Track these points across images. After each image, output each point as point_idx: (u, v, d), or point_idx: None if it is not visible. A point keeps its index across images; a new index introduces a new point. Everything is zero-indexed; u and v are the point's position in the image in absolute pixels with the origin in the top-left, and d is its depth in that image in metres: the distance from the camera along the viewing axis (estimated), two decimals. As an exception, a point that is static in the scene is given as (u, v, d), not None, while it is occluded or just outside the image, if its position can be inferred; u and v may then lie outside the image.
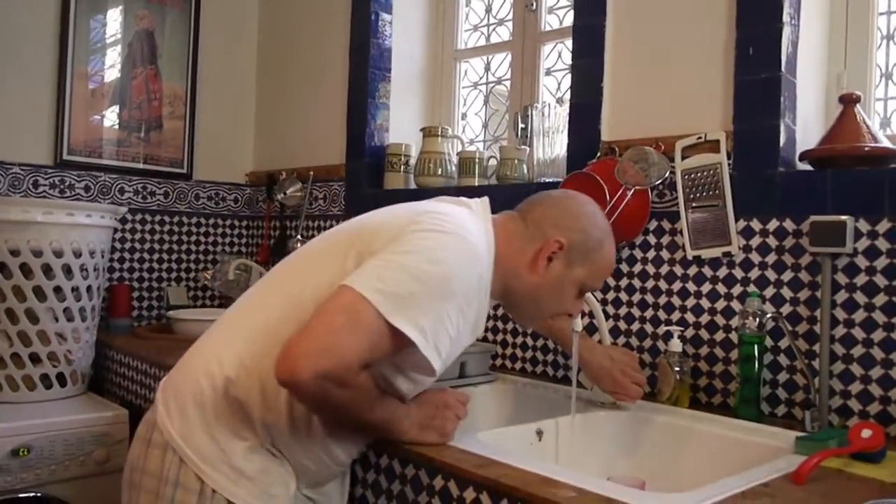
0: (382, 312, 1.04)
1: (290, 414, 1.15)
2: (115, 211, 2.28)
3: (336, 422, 1.18)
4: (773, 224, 1.52)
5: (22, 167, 2.49)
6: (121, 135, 2.73)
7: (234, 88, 3.06)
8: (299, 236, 2.65)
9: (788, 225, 1.50)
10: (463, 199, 1.30)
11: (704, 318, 1.62)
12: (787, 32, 1.53)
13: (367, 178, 2.48)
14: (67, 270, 2.11)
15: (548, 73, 2.29)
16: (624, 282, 1.76)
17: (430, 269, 1.08)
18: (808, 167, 1.52)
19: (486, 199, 1.30)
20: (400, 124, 2.55)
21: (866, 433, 1.19)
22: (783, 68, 1.52)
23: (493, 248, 1.22)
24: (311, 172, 2.69)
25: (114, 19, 2.71)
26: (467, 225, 1.17)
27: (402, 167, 2.40)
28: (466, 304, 1.13)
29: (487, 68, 2.51)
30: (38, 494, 1.90)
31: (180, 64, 2.87)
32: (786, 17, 1.52)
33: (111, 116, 2.71)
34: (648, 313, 1.72)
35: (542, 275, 1.25)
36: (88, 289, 2.18)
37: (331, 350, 1.02)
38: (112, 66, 2.71)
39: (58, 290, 2.10)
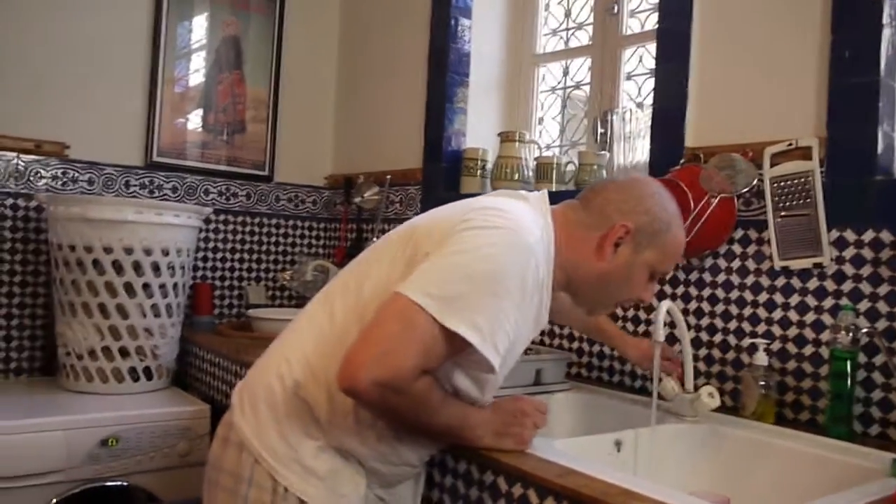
0: (435, 316, 1.04)
1: (356, 417, 1.16)
2: (201, 211, 2.36)
3: (403, 426, 1.19)
4: (868, 235, 1.46)
5: (115, 168, 2.59)
6: (206, 137, 2.82)
7: (314, 93, 3.12)
8: (375, 238, 2.68)
9: (885, 236, 1.43)
10: (521, 192, 1.29)
11: (792, 332, 1.56)
12: (887, 34, 1.46)
13: (443, 182, 2.49)
14: (155, 268, 2.19)
15: (628, 77, 2.25)
16: (707, 292, 1.72)
17: (481, 266, 1.08)
18: (907, 176, 1.46)
19: (545, 191, 1.29)
20: (477, 129, 2.56)
21: (970, 458, 1.13)
22: (882, 72, 1.46)
23: (552, 239, 1.20)
24: (388, 176, 2.72)
25: (200, 25, 2.80)
26: (519, 218, 1.15)
27: (479, 172, 2.40)
28: (522, 299, 1.11)
29: (566, 73, 2.49)
30: (125, 483, 1.98)
31: (264, 69, 2.95)
32: (886, 19, 1.46)
33: (196, 119, 2.80)
34: (732, 325, 1.67)
35: (609, 261, 1.22)
36: (175, 286, 2.26)
37: (385, 358, 1.03)
38: (197, 70, 2.80)
39: (146, 286, 2.18)
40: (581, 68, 2.43)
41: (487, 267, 1.08)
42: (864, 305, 1.45)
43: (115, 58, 2.61)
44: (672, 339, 1.74)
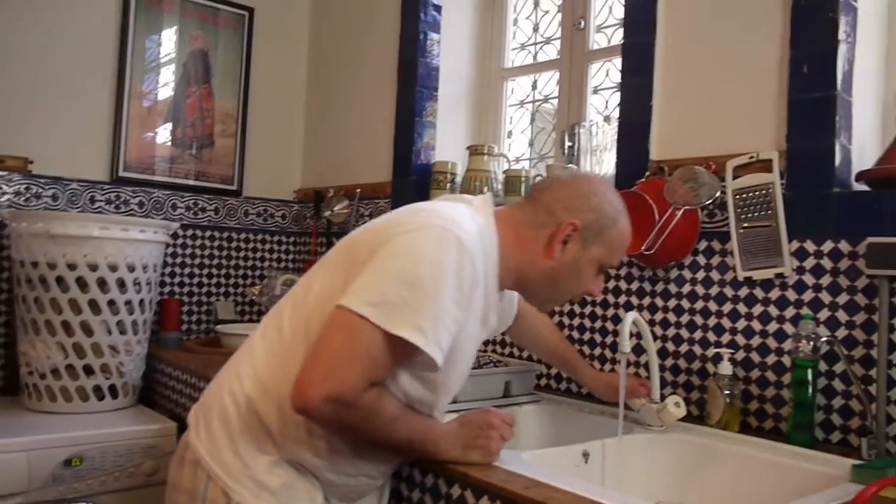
0: (378, 324, 1.06)
1: (308, 429, 1.16)
2: (168, 226, 2.34)
3: (365, 442, 1.19)
4: (827, 245, 1.49)
5: (80, 183, 2.56)
6: (174, 152, 2.80)
7: (283, 107, 3.12)
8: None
9: (844, 246, 1.46)
10: (465, 196, 1.31)
11: (755, 341, 1.59)
12: (843, 50, 1.50)
13: (412, 196, 2.49)
14: (121, 284, 2.16)
15: (595, 91, 2.28)
16: (672, 302, 1.74)
17: (416, 269, 1.09)
18: (864, 188, 1.49)
19: (489, 194, 1.32)
20: (446, 142, 2.57)
21: (927, 463, 1.16)
22: (839, 86, 1.49)
23: (494, 238, 1.22)
24: (358, 190, 2.72)
25: (168, 39, 2.79)
26: (454, 217, 1.16)
27: (448, 185, 2.41)
28: (461, 294, 1.12)
29: (534, 86, 2.51)
30: (89, 504, 1.94)
31: (233, 83, 2.94)
32: (842, 35, 1.49)
33: (164, 134, 2.78)
34: (697, 335, 1.69)
35: (557, 259, 1.24)
36: (141, 302, 2.24)
37: (332, 373, 1.05)
38: (166, 84, 2.78)
39: (111, 303, 2.15)
40: (549, 82, 2.46)
41: (422, 268, 1.09)
42: (824, 314, 1.48)
43: (81, 72, 2.58)
44: (638, 350, 1.75)
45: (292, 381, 1.09)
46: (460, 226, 1.15)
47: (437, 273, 1.09)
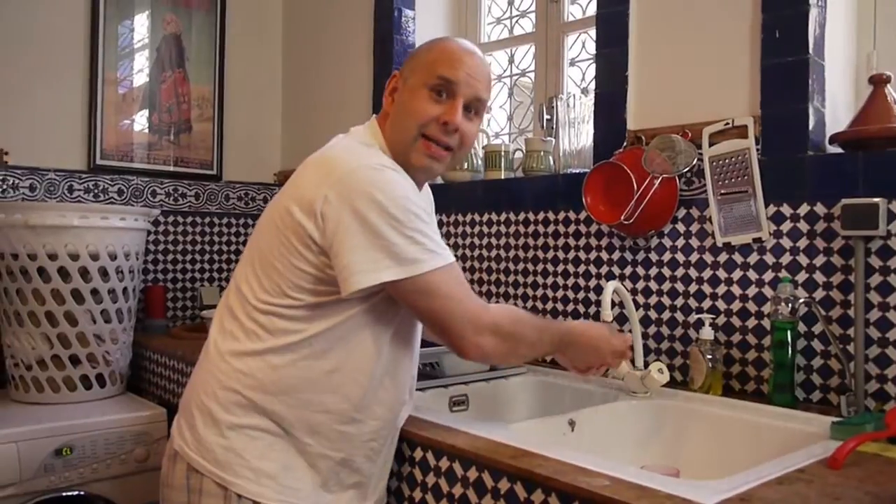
0: (433, 267, 1.13)
1: (287, 388, 1.17)
2: (148, 213, 2.33)
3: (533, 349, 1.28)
4: (803, 208, 1.50)
5: (57, 173, 2.54)
6: (151, 138, 2.78)
7: (260, 89, 3.09)
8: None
9: (819, 209, 1.48)
10: (354, 130, 1.32)
11: (736, 305, 1.61)
12: (814, 14, 1.51)
13: (393, 174, 2.49)
14: (104, 273, 2.15)
15: (572, 63, 2.28)
16: (653, 270, 1.76)
17: (396, 206, 1.11)
18: (838, 150, 1.50)
19: (373, 116, 1.34)
20: (425, 119, 2.55)
21: (904, 417, 1.18)
22: (811, 50, 1.50)
23: (381, 140, 1.27)
24: (339, 170, 2.70)
25: (141, 24, 2.75)
26: (366, 155, 1.18)
27: (428, 162, 2.40)
28: (423, 209, 1.18)
29: (511, 60, 2.51)
30: (82, 493, 1.94)
31: (207, 66, 2.91)
32: (812, -1, 1.50)
33: (141, 120, 2.76)
34: (679, 301, 1.71)
35: (391, 106, 1.28)
36: (124, 290, 2.23)
37: (465, 317, 1.15)
38: (141, 70, 2.75)
39: (95, 292, 2.15)
40: (526, 56, 2.45)
41: (398, 205, 1.12)
42: (801, 277, 1.50)
43: (53, 60, 2.55)
44: (622, 319, 1.77)
45: (263, 357, 1.17)
46: (374, 156, 1.19)
47: (405, 199, 1.13)
